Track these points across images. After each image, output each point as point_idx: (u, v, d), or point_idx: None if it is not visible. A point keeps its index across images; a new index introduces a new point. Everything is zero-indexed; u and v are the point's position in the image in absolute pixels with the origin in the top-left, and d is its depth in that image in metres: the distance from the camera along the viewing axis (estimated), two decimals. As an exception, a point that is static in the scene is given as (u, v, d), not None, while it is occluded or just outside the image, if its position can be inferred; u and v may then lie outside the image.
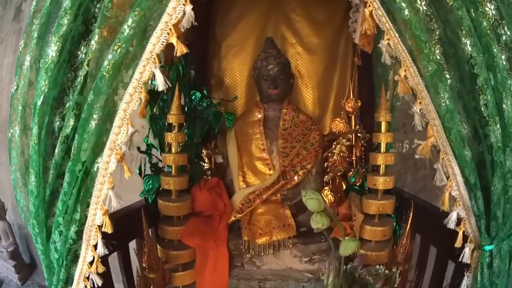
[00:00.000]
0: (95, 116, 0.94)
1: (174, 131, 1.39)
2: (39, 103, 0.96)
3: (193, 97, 1.62)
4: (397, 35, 0.97)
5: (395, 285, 1.25)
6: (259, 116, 1.70)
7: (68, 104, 1.01)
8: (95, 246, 1.05)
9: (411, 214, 1.38)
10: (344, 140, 1.64)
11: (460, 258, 1.15)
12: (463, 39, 0.95)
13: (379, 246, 1.36)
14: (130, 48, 0.91)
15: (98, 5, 1.01)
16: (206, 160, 1.70)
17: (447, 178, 1.06)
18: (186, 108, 1.60)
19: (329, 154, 1.66)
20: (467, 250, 1.13)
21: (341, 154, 1.64)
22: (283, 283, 1.39)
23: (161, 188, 1.44)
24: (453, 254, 1.19)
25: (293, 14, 1.91)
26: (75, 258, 1.08)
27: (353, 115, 1.73)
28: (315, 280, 1.38)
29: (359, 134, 1.67)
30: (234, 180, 1.65)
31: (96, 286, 1.10)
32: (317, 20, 1.89)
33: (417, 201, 1.50)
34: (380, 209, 1.35)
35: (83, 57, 1.00)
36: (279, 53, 1.71)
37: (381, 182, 1.33)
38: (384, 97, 1.36)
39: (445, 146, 1.03)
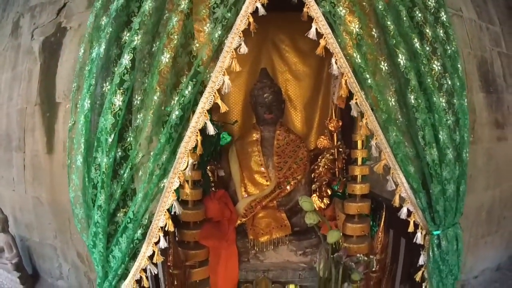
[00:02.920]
0: (166, 152, 1.34)
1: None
2: (109, 140, 1.34)
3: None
4: (363, 95, 1.42)
5: (374, 269, 1.65)
6: (257, 137, 2.12)
7: (129, 139, 1.40)
8: (155, 243, 1.44)
9: (383, 214, 1.79)
10: (328, 155, 2.06)
11: (414, 239, 1.60)
12: (409, 94, 1.41)
13: (359, 240, 1.73)
14: (188, 107, 1.33)
15: (148, 61, 1.39)
16: (210, 174, 2.10)
17: (396, 185, 1.53)
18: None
19: (316, 167, 2.09)
20: (419, 235, 1.59)
21: (326, 167, 2.07)
22: (283, 272, 1.82)
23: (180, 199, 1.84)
24: (417, 243, 1.62)
25: (282, 45, 2.31)
26: (134, 255, 1.45)
27: (335, 133, 2.15)
28: (308, 269, 1.81)
29: (341, 149, 2.10)
30: (237, 191, 2.07)
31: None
32: (303, 50, 2.29)
33: (388, 203, 1.91)
34: (359, 210, 1.74)
35: (137, 103, 1.40)
36: (272, 82, 2.12)
37: (359, 188, 1.74)
38: (359, 120, 1.68)
39: (394, 165, 1.50)
